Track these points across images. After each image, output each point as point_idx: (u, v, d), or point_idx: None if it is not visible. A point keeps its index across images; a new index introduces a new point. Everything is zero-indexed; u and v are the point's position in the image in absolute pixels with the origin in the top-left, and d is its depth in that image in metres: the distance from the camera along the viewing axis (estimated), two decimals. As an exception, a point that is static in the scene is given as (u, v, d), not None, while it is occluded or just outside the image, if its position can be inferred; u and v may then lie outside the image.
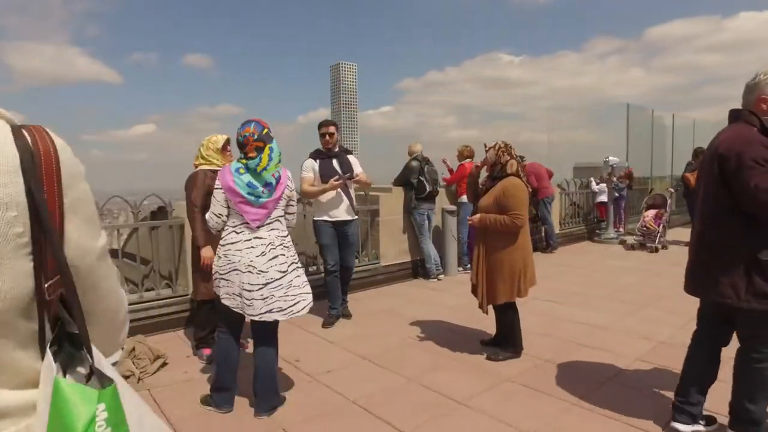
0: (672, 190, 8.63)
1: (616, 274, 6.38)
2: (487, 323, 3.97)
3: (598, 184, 9.35)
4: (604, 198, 9.29)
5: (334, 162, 4.39)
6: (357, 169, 4.48)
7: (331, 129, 4.45)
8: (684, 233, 9.49)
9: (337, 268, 4.52)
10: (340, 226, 4.47)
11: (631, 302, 5.02)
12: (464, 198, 6.65)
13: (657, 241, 8.06)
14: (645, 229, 8.27)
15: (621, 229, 9.50)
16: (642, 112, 11.51)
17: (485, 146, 3.63)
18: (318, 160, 4.42)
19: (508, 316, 3.63)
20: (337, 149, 4.44)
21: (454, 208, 6.58)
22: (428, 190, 6.14)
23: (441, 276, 6.42)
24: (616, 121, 11.10)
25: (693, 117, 15.56)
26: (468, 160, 6.70)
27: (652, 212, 8.51)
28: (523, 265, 3.44)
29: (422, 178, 6.14)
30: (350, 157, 4.57)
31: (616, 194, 9.20)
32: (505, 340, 3.67)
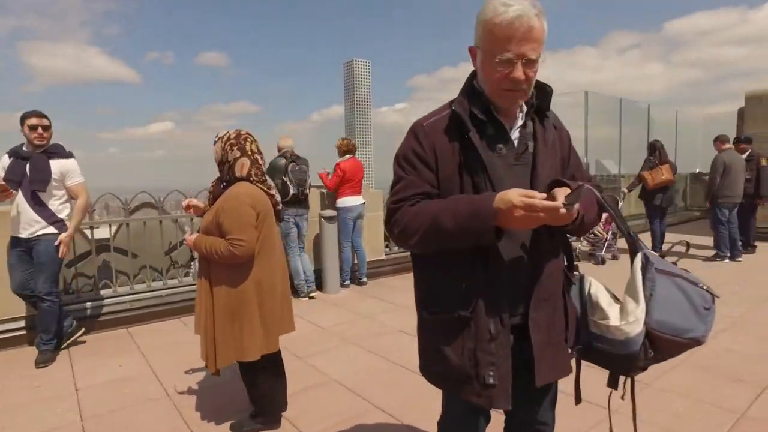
0: (625, 190, 7.32)
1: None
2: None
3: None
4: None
5: (27, 165, 3.46)
6: (73, 179, 3.64)
7: (45, 122, 3.55)
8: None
9: (26, 292, 3.63)
10: (25, 244, 3.57)
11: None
12: (347, 201, 5.52)
13: (605, 250, 6.79)
14: (592, 236, 7.01)
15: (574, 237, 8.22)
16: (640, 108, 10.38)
17: (215, 138, 2.51)
18: (12, 158, 3.51)
19: (249, 378, 2.51)
20: (45, 149, 3.55)
21: (333, 213, 5.45)
22: (292, 192, 5.03)
23: (314, 294, 5.31)
24: (627, 116, 10.00)
25: (709, 112, 14.14)
26: (348, 156, 5.57)
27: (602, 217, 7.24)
28: (248, 313, 2.31)
29: (286, 179, 5.03)
30: (59, 162, 3.59)
31: None
32: (255, 406, 2.56)
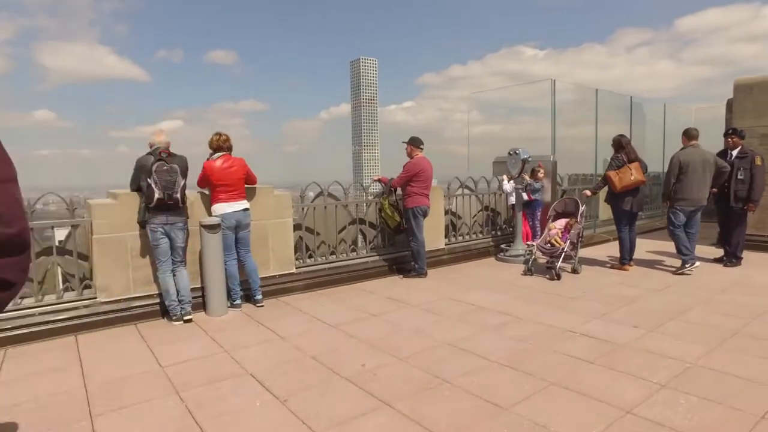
0: (588, 192, 6.34)
1: (432, 329, 4.19)
2: None
3: (510, 181, 7.09)
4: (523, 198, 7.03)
5: None
6: None
7: None
8: (607, 251, 7.18)
9: None
10: None
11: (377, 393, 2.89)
12: (220, 208, 4.63)
13: (560, 262, 5.81)
14: (549, 246, 6.02)
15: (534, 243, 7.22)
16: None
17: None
18: None
19: None
20: None
21: (215, 221, 4.52)
22: (157, 197, 4.12)
23: (189, 317, 4.40)
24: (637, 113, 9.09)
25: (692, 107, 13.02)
26: (220, 154, 4.66)
27: (561, 222, 6.25)
28: None
29: (150, 181, 4.12)
30: None
31: (535, 197, 6.95)
32: None
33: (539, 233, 6.88)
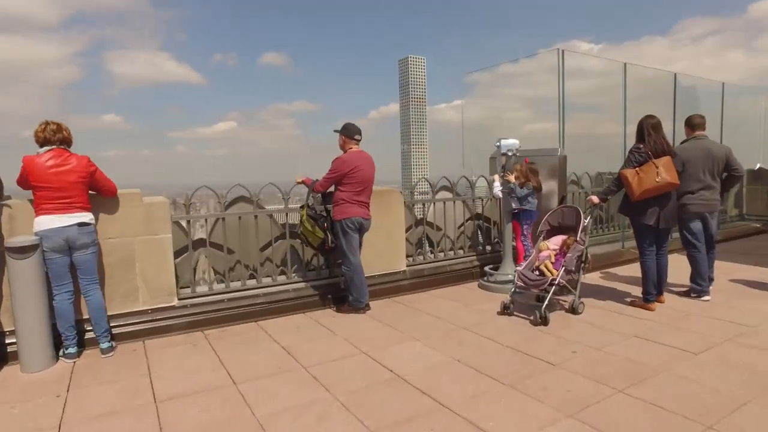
0: (595, 199, 4.52)
1: (283, 423, 2.68)
2: None
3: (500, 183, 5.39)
4: (516, 205, 5.30)
5: None
6: None
7: None
8: (637, 272, 5.34)
9: None
10: None
11: None
12: (42, 221, 3.32)
13: (550, 298, 4.10)
14: (536, 275, 4.33)
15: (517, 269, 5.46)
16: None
17: None
18: None
19: None
20: None
21: (27, 241, 3.23)
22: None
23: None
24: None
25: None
26: (47, 148, 3.37)
27: (556, 241, 4.53)
28: None
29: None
30: None
31: (516, 205, 5.24)
32: None
33: (529, 252, 5.16)
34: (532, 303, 4.38)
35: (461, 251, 5.76)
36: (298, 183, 4.47)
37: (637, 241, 4.41)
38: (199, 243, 4.58)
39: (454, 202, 5.69)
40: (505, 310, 4.29)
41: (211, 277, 4.46)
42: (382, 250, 4.99)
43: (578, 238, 4.30)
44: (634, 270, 5.22)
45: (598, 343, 3.52)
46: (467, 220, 6.06)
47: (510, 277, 5.08)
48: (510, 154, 5.05)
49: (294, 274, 4.74)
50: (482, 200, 6.05)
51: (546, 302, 4.04)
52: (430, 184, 5.53)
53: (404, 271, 5.19)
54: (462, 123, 7.73)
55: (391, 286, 5.03)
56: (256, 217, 4.51)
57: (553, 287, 4.09)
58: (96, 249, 3.52)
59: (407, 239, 5.69)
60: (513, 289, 4.33)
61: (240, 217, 4.49)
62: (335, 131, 4.40)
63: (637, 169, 4.13)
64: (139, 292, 3.90)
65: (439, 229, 5.87)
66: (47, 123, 3.40)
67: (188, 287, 4.23)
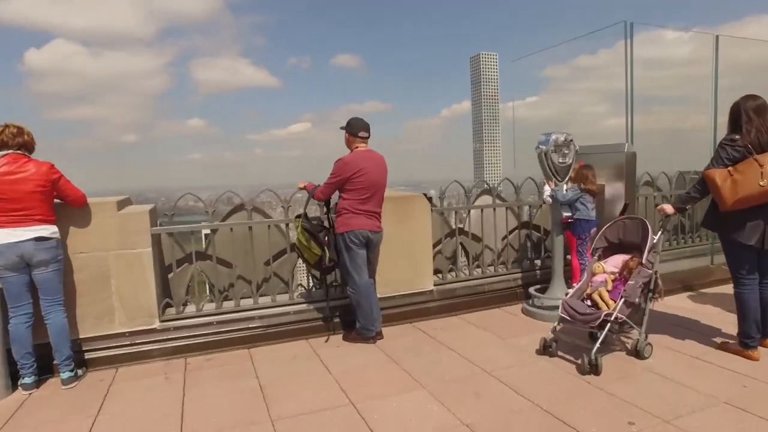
0: (668, 209, 3.38)
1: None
2: None
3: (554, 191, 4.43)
4: (567, 214, 4.33)
5: None
6: None
7: None
8: (729, 301, 4.16)
9: None
10: None
11: None
12: (4, 234, 2.99)
13: (603, 337, 3.14)
14: (587, 306, 3.38)
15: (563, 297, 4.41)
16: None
17: None
18: None
19: None
20: None
21: (-29, 256, 2.90)
22: None
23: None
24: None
25: None
26: (4, 153, 3.01)
27: (616, 262, 3.53)
28: None
29: None
30: None
31: (566, 213, 4.25)
32: None
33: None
34: (581, 342, 3.43)
35: (503, 267, 4.85)
36: (300, 189, 3.86)
37: (729, 266, 3.30)
38: (196, 256, 4.11)
39: (495, 209, 4.79)
40: (547, 349, 3.38)
41: (203, 296, 3.97)
42: (402, 266, 4.26)
43: (644, 261, 3.29)
44: (728, 294, 4.03)
45: (668, 410, 2.55)
46: (513, 231, 5.13)
47: (558, 300, 4.13)
48: (544, 148, 4.09)
49: (298, 294, 4.14)
50: (530, 207, 5.09)
51: (598, 344, 3.09)
52: (464, 188, 4.68)
53: (431, 291, 4.41)
54: (513, 120, 6.73)
55: (413, 309, 4.28)
56: (250, 228, 3.95)
57: (609, 324, 3.13)
58: (59, 266, 3.13)
59: (440, 252, 4.90)
60: (557, 323, 3.41)
61: (232, 229, 3.96)
62: (341, 128, 3.74)
63: (729, 168, 3.05)
64: (116, 312, 3.49)
65: (478, 239, 5.01)
66: (6, 125, 3.06)
67: (181, 306, 3.76)
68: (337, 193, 3.67)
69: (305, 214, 3.73)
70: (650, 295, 3.32)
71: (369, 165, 3.58)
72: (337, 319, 4.00)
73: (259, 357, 3.56)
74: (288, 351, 3.66)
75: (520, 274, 4.84)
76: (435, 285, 4.46)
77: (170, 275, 3.99)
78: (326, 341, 3.82)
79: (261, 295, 4.01)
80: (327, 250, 3.65)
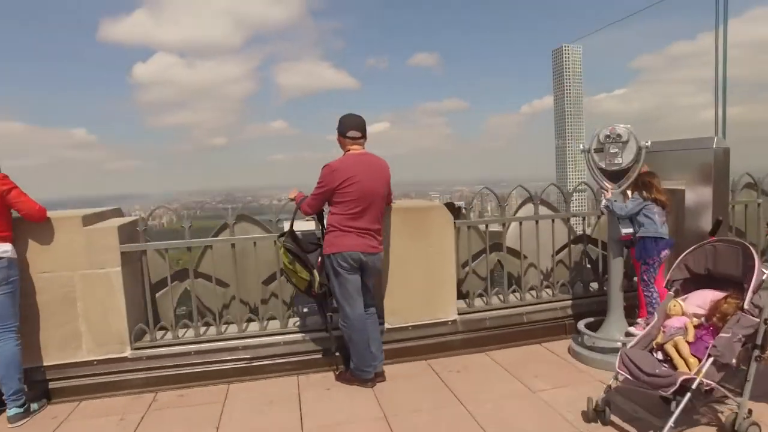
0: None
1: None
2: None
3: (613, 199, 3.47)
4: (627, 230, 3.36)
5: None
6: None
7: None
8: None
9: None
10: None
11: None
12: None
13: (681, 409, 2.21)
14: (654, 367, 2.45)
15: (642, 320, 3.38)
16: None
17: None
18: None
19: None
20: None
21: None
22: None
23: None
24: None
25: None
26: None
27: (699, 300, 2.56)
28: None
29: None
30: None
31: (626, 229, 3.26)
32: None
33: (653, 310, 3.16)
34: (646, 415, 2.49)
35: (549, 292, 3.95)
36: (291, 200, 3.28)
37: None
38: (185, 274, 3.70)
39: (537, 222, 3.88)
40: (598, 414, 2.51)
41: (216, 319, 3.53)
42: (416, 291, 3.54)
43: (746, 304, 2.31)
44: None
45: None
46: (564, 247, 4.19)
47: (616, 343, 3.19)
48: (591, 149, 3.17)
49: (294, 321, 3.58)
50: (585, 217, 4.13)
51: (674, 417, 2.18)
52: (496, 197, 3.84)
53: (453, 322, 3.64)
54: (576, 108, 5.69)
55: (430, 344, 3.55)
56: (233, 245, 3.45)
57: (689, 393, 2.20)
58: (11, 288, 2.81)
59: (474, 271, 4.10)
60: (613, 378, 2.52)
61: (210, 247, 3.48)
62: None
63: None
64: (83, 338, 3.14)
65: (524, 257, 4.14)
66: None
67: (156, 332, 3.34)
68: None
69: (291, 232, 3.14)
70: (755, 353, 2.33)
71: (362, 172, 2.92)
72: (337, 353, 3.38)
73: (234, 397, 3.04)
74: (269, 390, 3.11)
75: (570, 302, 3.91)
76: (459, 314, 3.68)
77: (158, 294, 3.62)
78: (319, 378, 3.22)
79: (249, 320, 3.50)
80: (317, 274, 3.04)
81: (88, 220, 3.16)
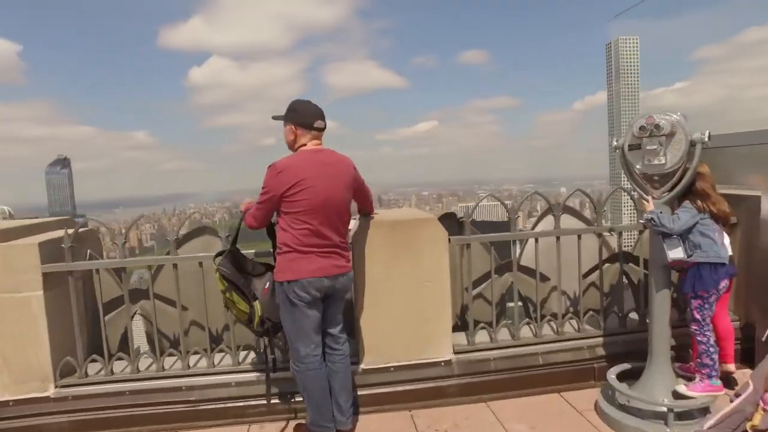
0: None
1: None
2: None
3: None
4: (677, 255, 2.54)
5: None
6: None
7: None
8: None
9: None
10: None
11: None
12: None
13: None
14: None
15: (693, 372, 2.51)
16: None
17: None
18: None
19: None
20: None
21: None
22: None
23: None
24: None
25: None
26: None
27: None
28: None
29: None
30: None
31: (674, 254, 2.42)
32: None
33: (710, 363, 2.32)
34: None
35: (573, 325, 3.15)
36: (243, 212, 2.67)
37: None
38: (139, 294, 3.19)
39: (558, 238, 3.08)
40: None
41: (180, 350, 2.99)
42: (403, 323, 2.85)
43: None
44: None
45: None
46: (596, 267, 3.35)
47: (662, 408, 2.38)
48: (624, 145, 2.37)
49: (249, 356, 2.99)
50: (620, 233, 3.28)
51: None
52: (505, 207, 3.08)
53: (448, 363, 2.92)
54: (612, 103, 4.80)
55: (417, 390, 2.85)
56: (175, 266, 2.88)
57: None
58: None
59: (482, 296, 3.37)
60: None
61: (152, 268, 2.93)
62: (275, 118, 2.49)
63: None
64: (-2, 375, 2.68)
65: (546, 278, 3.35)
66: None
67: (85, 367, 2.83)
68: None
69: (230, 251, 2.53)
70: None
71: (316, 174, 2.28)
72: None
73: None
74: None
75: (600, 339, 3.09)
76: (455, 353, 2.96)
77: (107, 317, 3.13)
78: (274, 429, 2.61)
79: (195, 353, 2.94)
80: (258, 307, 2.42)
81: (4, 235, 2.69)
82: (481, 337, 3.08)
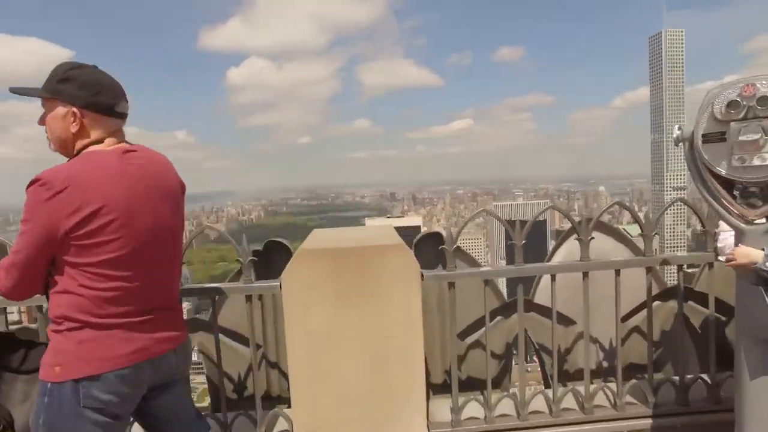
0: None
1: None
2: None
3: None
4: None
5: None
6: None
7: None
8: None
9: None
10: None
11: None
12: None
13: None
14: None
15: None
16: None
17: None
18: None
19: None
20: None
21: None
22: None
23: None
24: None
25: None
26: None
27: None
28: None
29: None
30: None
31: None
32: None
33: None
34: None
35: (609, 395, 2.20)
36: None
37: None
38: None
39: (585, 274, 2.14)
40: None
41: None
42: (353, 396, 1.99)
43: None
44: None
45: None
46: (641, 307, 2.37)
47: None
48: (698, 136, 1.42)
49: None
50: (680, 267, 2.29)
51: None
52: (506, 225, 2.16)
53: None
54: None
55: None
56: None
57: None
58: None
59: (481, 344, 2.45)
60: None
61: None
62: (14, 90, 1.44)
63: None
64: None
65: (572, 322, 2.42)
66: None
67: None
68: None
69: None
70: None
71: (127, 193, 1.34)
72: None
73: None
74: None
75: (649, 420, 2.12)
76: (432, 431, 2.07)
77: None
78: None
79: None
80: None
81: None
82: (472, 410, 2.17)
